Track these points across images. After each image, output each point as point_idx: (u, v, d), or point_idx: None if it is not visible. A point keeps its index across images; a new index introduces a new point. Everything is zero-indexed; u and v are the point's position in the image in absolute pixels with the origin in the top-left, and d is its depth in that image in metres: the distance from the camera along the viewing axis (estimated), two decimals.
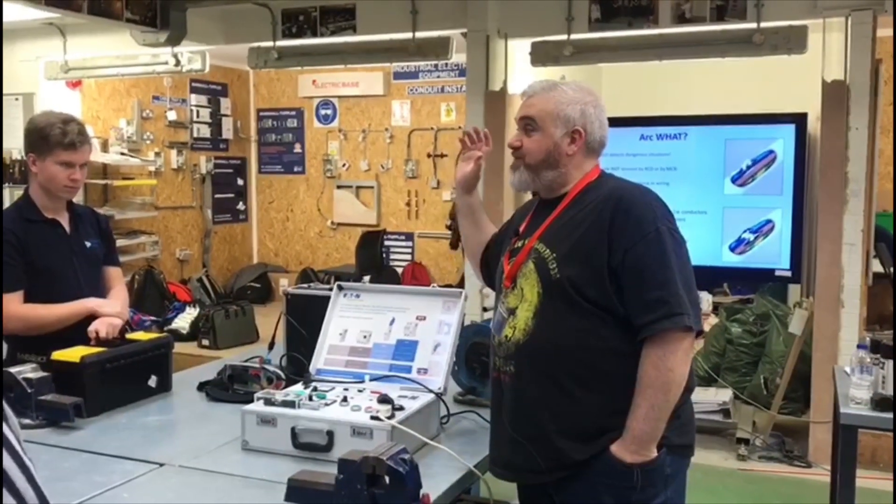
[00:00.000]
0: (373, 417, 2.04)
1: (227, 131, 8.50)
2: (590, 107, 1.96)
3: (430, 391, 2.29)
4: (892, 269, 5.24)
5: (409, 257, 8.24)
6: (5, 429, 0.76)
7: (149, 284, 7.02)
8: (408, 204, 8.22)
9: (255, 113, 8.88)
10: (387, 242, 8.14)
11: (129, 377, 2.56)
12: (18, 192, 2.93)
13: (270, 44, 5.63)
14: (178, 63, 5.95)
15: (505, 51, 5.15)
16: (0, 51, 5.11)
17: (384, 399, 2.12)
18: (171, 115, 7.83)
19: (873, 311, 5.38)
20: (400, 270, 8.11)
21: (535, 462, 1.89)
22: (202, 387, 2.71)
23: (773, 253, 4.59)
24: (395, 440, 2.00)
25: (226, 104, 8.48)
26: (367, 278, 7.57)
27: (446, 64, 7.57)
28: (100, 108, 7.18)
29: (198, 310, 6.72)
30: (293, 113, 8.67)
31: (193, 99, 8.11)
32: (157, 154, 7.69)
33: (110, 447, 2.15)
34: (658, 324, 1.78)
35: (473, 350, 2.61)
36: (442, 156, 8.02)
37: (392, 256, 8.24)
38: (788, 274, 4.61)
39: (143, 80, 7.31)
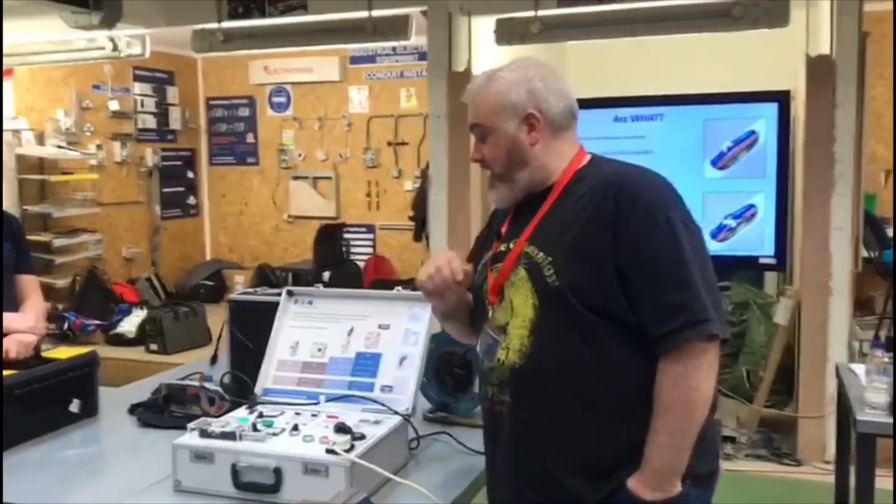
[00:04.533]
0: (328, 451, 1.73)
1: (175, 122, 8.07)
2: (536, 81, 1.65)
3: (396, 413, 1.98)
4: (875, 254, 5.06)
5: (370, 250, 7.91)
6: None
7: (91, 286, 6.58)
8: (368, 195, 7.89)
9: (205, 102, 8.45)
10: (346, 235, 7.81)
11: (45, 403, 2.24)
12: None
13: (215, 25, 5.24)
14: (115, 48, 5.53)
15: (468, 29, 4.87)
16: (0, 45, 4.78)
17: (341, 428, 1.81)
18: (114, 105, 7.37)
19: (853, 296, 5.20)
20: (361, 264, 7.78)
21: None
22: (134, 409, 2.37)
23: (757, 239, 4.35)
24: (354, 478, 1.70)
25: (172, 93, 8.04)
26: (327, 274, 7.26)
27: (405, 47, 7.23)
28: (34, 99, 6.71)
29: (145, 312, 6.32)
30: (245, 101, 8.27)
31: (137, 88, 7.67)
32: (99, 147, 7.24)
33: (17, 493, 1.82)
34: (678, 334, 1.50)
35: (444, 360, 2.31)
36: (403, 144, 7.69)
37: (353, 250, 7.91)
38: (773, 261, 4.38)
39: (82, 67, 6.84)
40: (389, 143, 7.75)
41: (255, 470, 1.76)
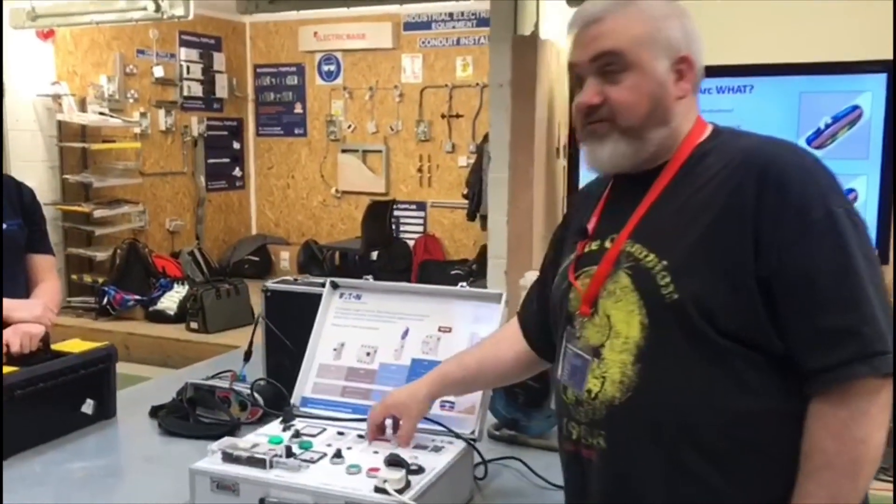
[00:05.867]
0: (378, 489, 1.39)
1: (222, 89, 7.79)
2: (689, 21, 1.29)
3: (459, 437, 1.63)
4: None
5: (420, 229, 7.57)
6: None
7: (132, 259, 6.35)
8: (419, 170, 7.52)
9: (252, 69, 8.16)
10: (396, 213, 7.47)
11: (52, 404, 1.95)
12: None
13: None
14: (158, 8, 5.25)
15: None
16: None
17: (394, 461, 1.45)
18: (158, 72, 7.11)
19: None
20: (411, 244, 7.44)
21: None
22: (156, 412, 2.06)
23: None
24: None
25: (219, 59, 7.76)
26: (375, 254, 6.95)
27: (462, 12, 6.83)
28: (76, 63, 6.48)
29: (186, 288, 6.08)
30: (293, 69, 7.95)
31: (183, 53, 7.39)
32: (143, 114, 7.00)
33: None
34: (846, 369, 1.11)
35: None
36: (457, 116, 7.30)
37: (402, 228, 7.57)
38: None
39: (126, 31, 6.59)
40: (443, 116, 7.37)
41: None
